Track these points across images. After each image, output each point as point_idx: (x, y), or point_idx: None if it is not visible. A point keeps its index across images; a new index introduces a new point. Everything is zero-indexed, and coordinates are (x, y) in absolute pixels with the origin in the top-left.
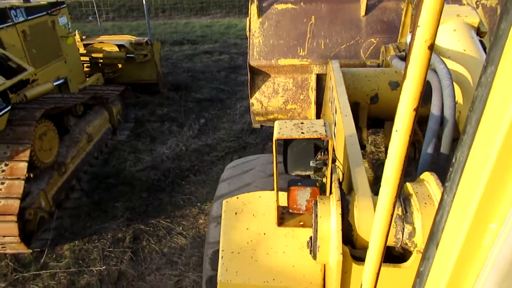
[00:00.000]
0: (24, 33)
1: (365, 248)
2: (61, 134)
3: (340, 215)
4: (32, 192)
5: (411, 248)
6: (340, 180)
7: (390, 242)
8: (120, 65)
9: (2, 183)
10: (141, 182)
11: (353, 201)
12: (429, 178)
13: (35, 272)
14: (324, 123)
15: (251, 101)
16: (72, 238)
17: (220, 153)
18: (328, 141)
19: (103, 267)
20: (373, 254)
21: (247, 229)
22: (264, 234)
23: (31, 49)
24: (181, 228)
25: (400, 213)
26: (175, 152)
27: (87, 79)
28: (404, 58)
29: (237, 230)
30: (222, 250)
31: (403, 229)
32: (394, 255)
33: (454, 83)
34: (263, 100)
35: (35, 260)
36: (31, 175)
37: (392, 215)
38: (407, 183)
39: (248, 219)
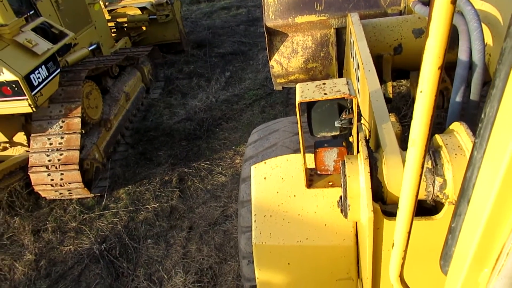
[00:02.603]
0: (57, 3)
1: (395, 203)
2: (103, 94)
3: (369, 173)
4: (87, 145)
5: (443, 200)
6: (367, 138)
7: (421, 196)
8: (144, 28)
9: (62, 138)
10: (179, 132)
11: (381, 158)
12: (459, 128)
13: (99, 212)
14: (347, 82)
15: (270, 63)
16: (126, 183)
17: (248, 101)
18: (352, 99)
19: (157, 205)
20: (404, 212)
21: (277, 192)
22: (294, 196)
23: (64, 17)
24: (220, 168)
25: (430, 166)
26: (206, 104)
27: (116, 43)
28: (428, 3)
29: (267, 194)
30: (255, 214)
31: (434, 181)
32: (425, 208)
33: (483, 24)
34: (283, 61)
35: (97, 203)
36: (83, 131)
37: (420, 177)
38: (436, 135)
39: (277, 182)
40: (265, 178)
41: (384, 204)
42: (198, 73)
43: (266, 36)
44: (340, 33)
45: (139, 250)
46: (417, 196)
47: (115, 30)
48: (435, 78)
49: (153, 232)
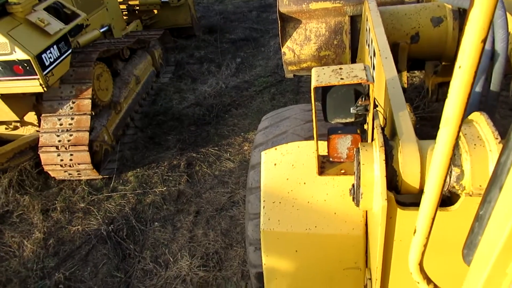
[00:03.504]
0: None
1: (410, 193)
2: (113, 77)
3: (384, 161)
4: (96, 127)
5: (459, 191)
6: (382, 126)
7: None
8: (155, 11)
9: (72, 118)
10: (188, 117)
11: (397, 146)
12: (478, 118)
13: (107, 194)
14: (364, 67)
15: (282, 50)
16: (134, 166)
17: (258, 88)
18: (369, 85)
19: (164, 188)
20: (430, 198)
21: (287, 179)
22: (304, 183)
23: None
24: (228, 155)
25: None
26: (216, 90)
27: (127, 26)
28: None
29: (277, 181)
30: (264, 200)
31: (451, 172)
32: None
33: (507, 13)
34: (295, 48)
35: (105, 185)
36: (93, 113)
37: (450, 159)
38: None
39: (287, 169)
40: (275, 164)
41: (398, 193)
42: (208, 58)
43: (279, 22)
44: (355, 21)
45: (146, 233)
46: (444, 181)
47: (126, 13)
48: (476, 52)
49: (160, 216)
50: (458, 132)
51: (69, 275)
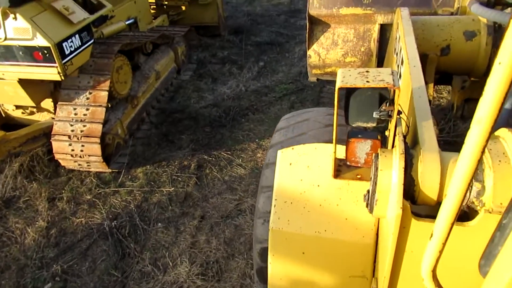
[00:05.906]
0: None
1: (426, 204)
2: (133, 70)
3: (403, 169)
4: (110, 120)
5: (478, 207)
6: (404, 134)
7: None
8: (183, 7)
9: (87, 109)
10: (204, 117)
11: (417, 155)
12: (505, 135)
13: (114, 188)
14: (392, 72)
15: (308, 53)
16: (144, 163)
17: (278, 94)
18: (394, 91)
19: (172, 189)
20: (449, 207)
21: (301, 180)
22: (318, 186)
23: None
24: (240, 160)
25: None
26: (235, 92)
27: (154, 20)
28: (487, 4)
29: (291, 181)
30: (275, 199)
31: (471, 186)
32: None
33: None
34: (321, 52)
35: (114, 179)
36: (109, 105)
37: (478, 162)
38: None
39: (302, 170)
40: (290, 164)
41: (414, 204)
42: (231, 59)
43: (307, 24)
44: (384, 29)
45: (148, 233)
46: (467, 190)
47: (154, 6)
48: None
49: (165, 216)
50: (489, 134)
51: (67, 268)
